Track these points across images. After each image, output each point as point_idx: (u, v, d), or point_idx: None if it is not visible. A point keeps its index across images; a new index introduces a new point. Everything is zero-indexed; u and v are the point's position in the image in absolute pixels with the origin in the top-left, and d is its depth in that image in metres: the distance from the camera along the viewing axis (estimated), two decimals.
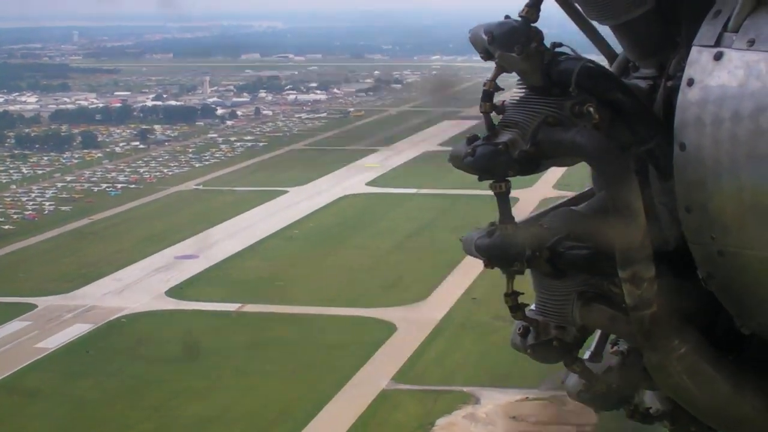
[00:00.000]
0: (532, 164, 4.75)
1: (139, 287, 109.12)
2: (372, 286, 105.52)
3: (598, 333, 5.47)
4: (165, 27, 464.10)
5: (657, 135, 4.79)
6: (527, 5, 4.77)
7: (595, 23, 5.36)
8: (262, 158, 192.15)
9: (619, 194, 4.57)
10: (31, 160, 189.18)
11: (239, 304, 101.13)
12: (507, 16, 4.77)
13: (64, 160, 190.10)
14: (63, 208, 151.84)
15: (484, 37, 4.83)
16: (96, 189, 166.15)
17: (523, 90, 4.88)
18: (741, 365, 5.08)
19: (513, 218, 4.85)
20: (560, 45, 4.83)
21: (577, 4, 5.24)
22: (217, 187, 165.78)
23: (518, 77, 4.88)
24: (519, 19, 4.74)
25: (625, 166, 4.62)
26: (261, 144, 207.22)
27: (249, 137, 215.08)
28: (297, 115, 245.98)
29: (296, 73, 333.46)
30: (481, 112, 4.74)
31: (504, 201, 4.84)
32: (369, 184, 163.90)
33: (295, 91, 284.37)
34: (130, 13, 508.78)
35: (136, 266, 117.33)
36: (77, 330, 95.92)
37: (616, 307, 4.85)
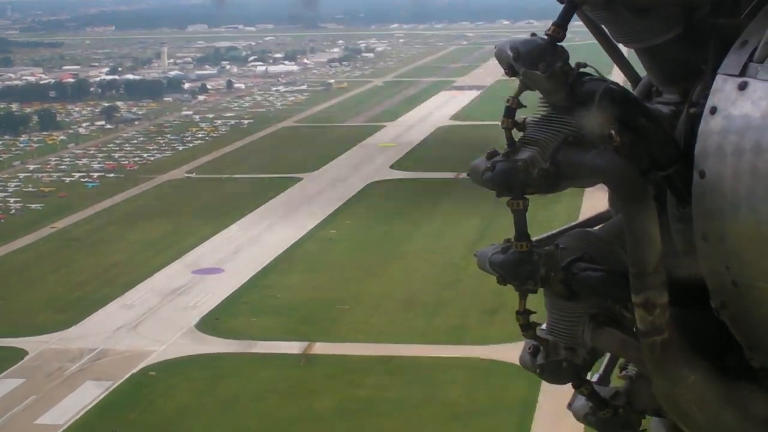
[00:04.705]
0: (551, 183, 4.70)
1: (158, 318, 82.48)
2: (467, 310, 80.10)
3: (607, 356, 5.40)
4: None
5: (677, 161, 4.75)
6: (554, 24, 4.71)
7: (620, 45, 5.31)
8: (252, 138, 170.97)
9: (636, 218, 4.53)
10: None
11: (305, 343, 74.91)
12: (533, 34, 4.72)
13: (22, 144, 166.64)
14: (32, 205, 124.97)
15: (510, 53, 4.71)
16: (68, 180, 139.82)
17: (546, 108, 4.78)
18: (749, 397, 4.89)
19: (528, 236, 4.73)
20: (585, 65, 4.76)
21: (604, 26, 5.22)
22: (212, 174, 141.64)
23: (541, 95, 4.81)
24: (545, 37, 4.67)
25: (644, 190, 4.58)
26: (246, 122, 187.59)
27: (229, 114, 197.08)
28: (274, 89, 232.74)
29: (253, 43, 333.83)
30: (503, 127, 4.66)
31: (520, 218, 4.73)
32: (394, 167, 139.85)
33: (262, 63, 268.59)
34: None
35: (146, 286, 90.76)
36: (90, 392, 68.72)
37: (627, 332, 4.79)
